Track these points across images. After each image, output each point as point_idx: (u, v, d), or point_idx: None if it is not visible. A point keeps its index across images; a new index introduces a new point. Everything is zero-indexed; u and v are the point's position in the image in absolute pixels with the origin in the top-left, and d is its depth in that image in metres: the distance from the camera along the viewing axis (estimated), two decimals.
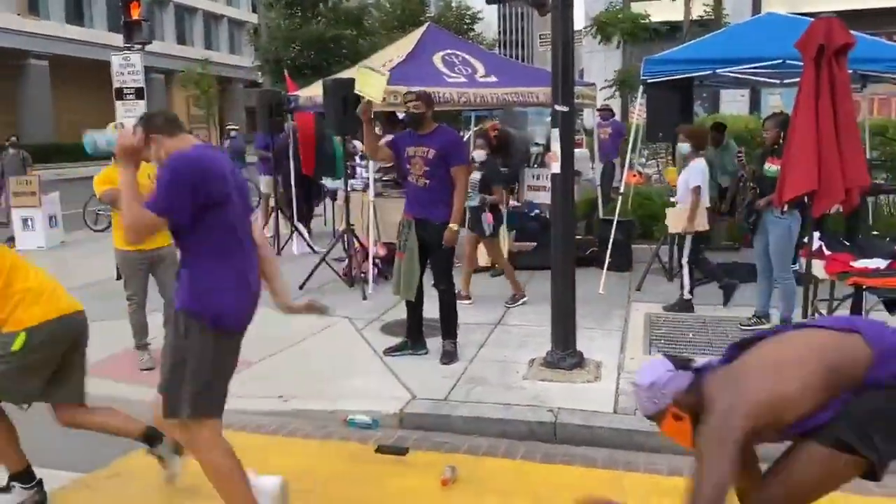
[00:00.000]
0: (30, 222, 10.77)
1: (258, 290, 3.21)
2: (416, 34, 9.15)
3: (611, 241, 7.57)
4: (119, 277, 6.11)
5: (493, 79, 8.42)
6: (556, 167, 4.87)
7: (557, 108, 4.77)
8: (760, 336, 2.58)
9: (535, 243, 9.04)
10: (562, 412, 4.35)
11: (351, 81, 7.04)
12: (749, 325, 5.78)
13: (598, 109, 11.27)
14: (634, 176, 9.36)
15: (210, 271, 2.98)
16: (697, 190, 6.37)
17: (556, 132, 4.85)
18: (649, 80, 7.17)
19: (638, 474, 3.80)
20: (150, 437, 3.68)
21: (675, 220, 6.62)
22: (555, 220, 5.02)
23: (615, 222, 7.59)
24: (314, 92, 8.90)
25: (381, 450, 4.10)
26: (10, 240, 10.78)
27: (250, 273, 3.14)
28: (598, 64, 18.74)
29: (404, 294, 5.46)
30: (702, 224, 6.48)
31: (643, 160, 12.33)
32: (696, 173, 6.40)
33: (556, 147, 4.85)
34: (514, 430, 4.28)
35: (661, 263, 7.85)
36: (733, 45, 7.07)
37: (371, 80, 6.14)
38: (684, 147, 6.45)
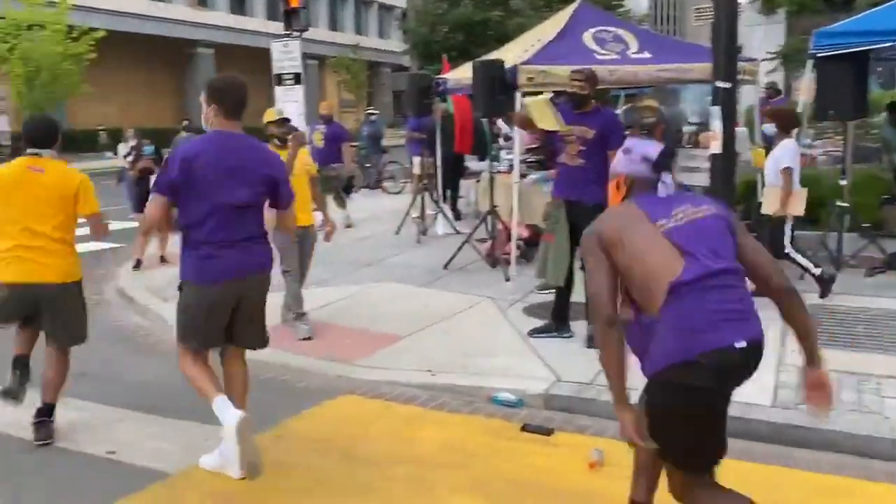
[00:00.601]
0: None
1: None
2: (567, 12, 9.00)
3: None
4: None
5: (646, 55, 8.14)
6: (716, 147, 4.66)
7: (719, 84, 4.55)
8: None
9: None
10: None
11: (501, 63, 7.05)
12: None
13: (766, 87, 10.59)
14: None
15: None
16: (788, 171, 6.03)
17: (716, 110, 4.64)
18: (819, 55, 6.66)
19: (799, 471, 3.60)
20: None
21: (771, 202, 6.23)
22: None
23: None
24: (462, 74, 8.99)
25: (526, 428, 4.13)
26: None
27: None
28: (759, 38, 17.68)
29: (552, 279, 5.40)
30: (797, 208, 6.14)
31: (808, 140, 11.51)
32: (786, 154, 6.08)
33: (716, 126, 4.64)
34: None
35: (829, 251, 7.32)
36: None
37: (545, 110, 5.69)
38: (769, 128, 6.06)
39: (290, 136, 5.83)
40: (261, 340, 3.87)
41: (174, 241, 9.36)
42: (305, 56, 36.07)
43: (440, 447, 3.94)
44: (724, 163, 4.64)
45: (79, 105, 28.92)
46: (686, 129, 11.29)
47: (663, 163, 2.66)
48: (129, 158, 9.76)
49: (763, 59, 14.98)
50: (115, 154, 13.88)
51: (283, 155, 5.50)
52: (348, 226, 10.65)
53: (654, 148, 2.69)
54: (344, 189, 11.36)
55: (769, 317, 5.72)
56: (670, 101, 14.84)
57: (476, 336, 5.74)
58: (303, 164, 5.94)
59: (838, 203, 7.21)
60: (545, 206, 5.65)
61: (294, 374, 5.14)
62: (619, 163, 2.76)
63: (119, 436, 4.11)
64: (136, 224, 8.90)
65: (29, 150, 3.98)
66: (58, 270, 3.94)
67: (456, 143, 10.55)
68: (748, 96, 11.04)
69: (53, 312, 3.99)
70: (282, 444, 3.97)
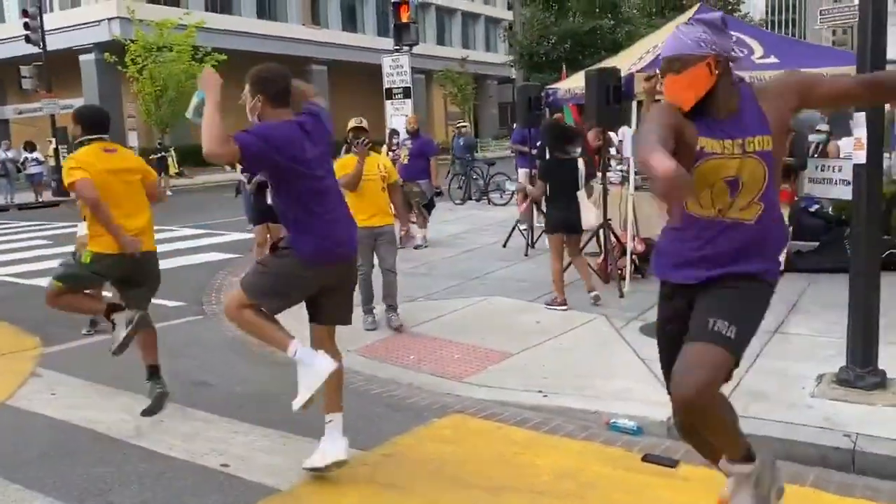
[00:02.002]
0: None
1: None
2: (686, 17, 8.62)
3: None
4: None
5: (772, 59, 7.66)
6: (860, 156, 4.25)
7: None
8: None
9: (818, 242, 8.12)
10: (861, 439, 3.78)
11: (616, 71, 6.81)
12: None
13: None
14: None
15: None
16: None
17: (860, 116, 4.23)
18: None
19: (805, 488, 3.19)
20: (113, 308, 4.45)
21: None
22: (857, 215, 4.38)
23: None
24: (573, 84, 8.77)
25: (648, 458, 3.87)
26: None
27: None
28: (892, 38, 16.44)
29: None
30: None
31: None
32: None
33: (860, 133, 4.23)
34: (801, 453, 3.81)
35: None
36: None
37: None
38: None
39: (357, 143, 6.26)
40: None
41: None
42: (414, 70, 36.75)
43: (555, 475, 3.74)
44: (870, 174, 4.22)
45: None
46: (813, 138, 10.60)
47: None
48: (247, 173, 10.09)
49: None
50: (234, 168, 14.46)
51: (354, 163, 6.27)
52: (417, 246, 10.25)
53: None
54: (426, 206, 10.83)
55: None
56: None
57: (590, 355, 5.50)
58: (377, 170, 6.46)
59: None
60: None
61: (403, 389, 5.07)
62: (695, 40, 2.57)
63: (233, 448, 4.14)
64: (252, 235, 9.17)
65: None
66: None
67: None
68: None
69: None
70: (391, 463, 3.89)
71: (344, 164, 6.34)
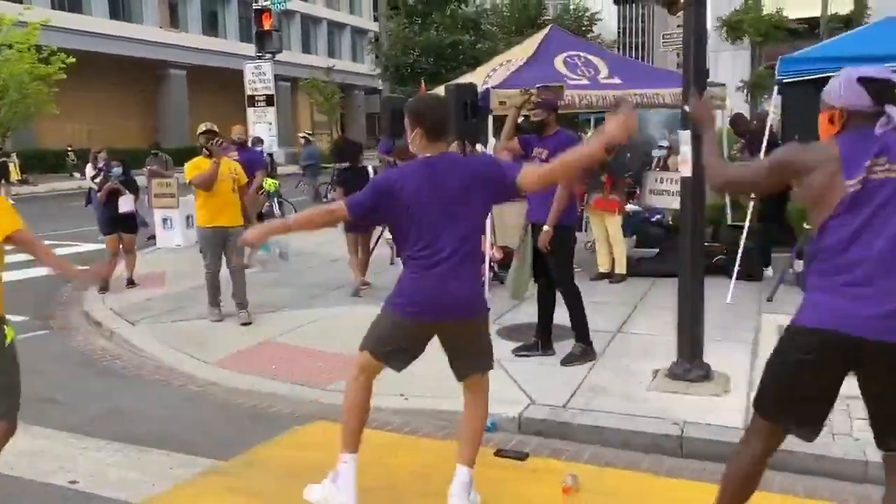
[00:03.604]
0: (169, 222, 11.50)
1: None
2: (538, 37, 9.12)
3: (740, 248, 7.24)
4: (201, 250, 7.25)
5: (615, 80, 8.26)
6: (686, 171, 4.71)
7: (688, 109, 4.60)
8: None
9: (657, 250, 8.80)
10: (688, 426, 4.19)
11: (473, 87, 7.09)
12: None
13: (730, 124, 10.78)
14: None
15: None
16: None
17: (685, 134, 4.68)
18: (785, 81, 6.80)
19: (773, 494, 3.60)
20: None
21: None
22: (684, 225, 4.85)
23: (745, 229, 7.24)
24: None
25: (500, 453, 4.10)
26: (151, 238, 11.57)
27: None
28: (725, 64, 18.03)
29: (513, 295, 5.71)
30: None
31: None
32: None
33: (685, 150, 4.69)
34: (638, 441, 4.16)
35: (795, 273, 7.42)
36: (879, 42, 6.61)
37: None
38: None
39: (211, 144, 6.65)
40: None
41: (143, 263, 9.26)
42: (277, 78, 35.94)
43: (414, 474, 3.89)
44: (694, 187, 4.68)
45: (48, 125, 28.60)
46: (655, 153, 11.46)
47: (887, 91, 2.54)
48: (97, 180, 9.62)
49: (738, 89, 15.27)
50: (83, 175, 13.71)
51: (209, 164, 6.62)
52: (247, 267, 9.20)
53: (876, 71, 2.58)
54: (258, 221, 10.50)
55: (738, 338, 5.78)
56: (640, 126, 15.06)
57: None
58: (229, 172, 6.86)
59: (805, 226, 7.32)
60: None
61: (264, 399, 5.05)
62: (831, 91, 2.63)
63: (83, 465, 3.99)
64: (103, 246, 8.77)
65: None
66: None
67: None
68: (718, 120, 11.22)
69: None
70: (252, 472, 3.89)
71: (197, 165, 6.74)
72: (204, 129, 7.05)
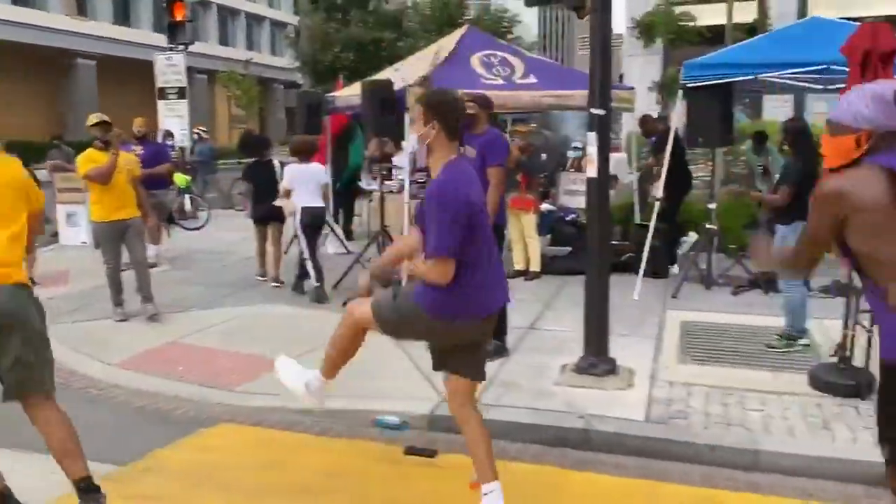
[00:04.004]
0: (74, 218, 11.00)
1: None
2: (454, 36, 9.16)
3: (647, 246, 7.48)
4: (97, 246, 6.98)
5: (531, 80, 8.39)
6: (591, 171, 4.83)
7: (594, 111, 4.72)
8: None
9: (570, 248, 8.99)
10: (593, 419, 4.30)
11: (389, 83, 7.07)
12: (777, 348, 5.58)
13: (640, 123, 11.13)
14: None
15: None
16: None
17: (592, 136, 4.80)
18: (689, 85, 7.06)
19: (670, 484, 3.74)
20: (84, 488, 3.23)
21: None
22: (590, 224, 4.97)
23: (651, 228, 7.48)
24: (352, 93, 8.97)
25: (409, 451, 4.11)
26: (54, 235, 11.05)
27: None
28: (638, 67, 18.54)
29: None
30: None
31: None
32: None
33: (592, 151, 4.80)
34: (544, 435, 4.25)
35: (699, 271, 7.73)
36: (776, 50, 6.93)
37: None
38: None
39: (110, 135, 6.48)
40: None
41: (44, 261, 8.83)
42: (194, 70, 34.77)
43: (321, 474, 3.85)
44: (599, 187, 4.80)
45: None
46: (571, 154, 11.72)
47: None
48: None
49: (648, 88, 15.73)
50: None
51: (105, 157, 6.43)
52: (153, 265, 8.45)
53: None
54: (168, 219, 10.10)
55: (643, 333, 5.95)
56: (557, 126, 15.36)
57: (363, 357, 5.61)
58: (124, 164, 6.62)
59: (707, 226, 7.65)
60: None
61: (168, 401, 4.91)
62: (854, 113, 2.45)
63: None
64: None
65: None
66: None
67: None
68: (629, 123, 11.57)
69: None
70: (149, 476, 3.77)
71: (91, 158, 6.53)
72: (96, 120, 6.79)
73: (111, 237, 6.66)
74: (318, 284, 7.49)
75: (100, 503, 3.19)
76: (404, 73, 8.34)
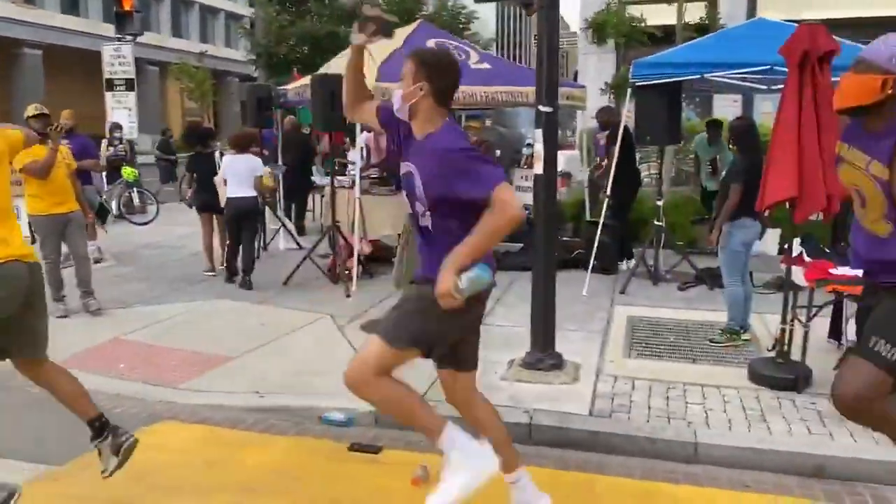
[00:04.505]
0: (16, 211, 10.65)
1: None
2: (406, 30, 9.13)
3: (595, 243, 7.56)
4: (34, 241, 6.78)
5: (485, 66, 8.41)
6: (538, 168, 4.86)
7: (541, 108, 4.75)
8: None
9: (522, 244, 9.04)
10: (537, 413, 4.34)
11: (338, 77, 7.00)
12: (719, 342, 5.70)
13: (596, 116, 11.21)
14: None
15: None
16: None
17: (539, 133, 4.83)
18: (638, 84, 7.16)
19: (611, 477, 3.79)
20: (99, 427, 3.45)
21: None
22: (537, 221, 5.00)
23: (600, 224, 7.57)
24: (301, 86, 8.88)
25: (354, 447, 4.09)
26: None
27: None
28: (593, 66, 18.73)
29: (397, 283, 5.64)
30: None
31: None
32: None
33: (539, 148, 4.83)
34: None
35: (647, 267, 7.85)
36: (722, 50, 7.06)
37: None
38: None
39: (49, 129, 6.17)
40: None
41: None
42: (145, 62, 33.98)
43: (264, 471, 3.81)
44: (546, 183, 4.84)
45: None
46: (525, 151, 11.79)
47: None
48: None
49: (602, 91, 15.89)
50: None
51: (44, 150, 6.15)
52: (97, 260, 8.59)
53: None
54: (98, 214, 9.60)
55: (590, 328, 6.00)
56: (511, 123, 15.44)
57: (310, 354, 5.63)
58: (62, 157, 6.51)
59: (655, 222, 7.77)
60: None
61: (109, 400, 4.76)
62: (891, 55, 2.45)
63: None
64: None
65: None
66: None
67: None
68: (581, 121, 11.67)
69: None
70: (84, 475, 3.67)
71: (30, 152, 6.02)
72: (35, 112, 6.77)
73: (51, 231, 6.53)
74: (244, 273, 7.76)
75: (119, 436, 3.40)
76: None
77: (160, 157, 17.40)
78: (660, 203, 7.81)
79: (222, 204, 7.99)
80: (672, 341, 5.83)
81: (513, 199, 2.58)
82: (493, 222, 2.56)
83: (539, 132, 4.81)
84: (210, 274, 8.35)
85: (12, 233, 3.27)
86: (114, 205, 12.41)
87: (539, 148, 4.81)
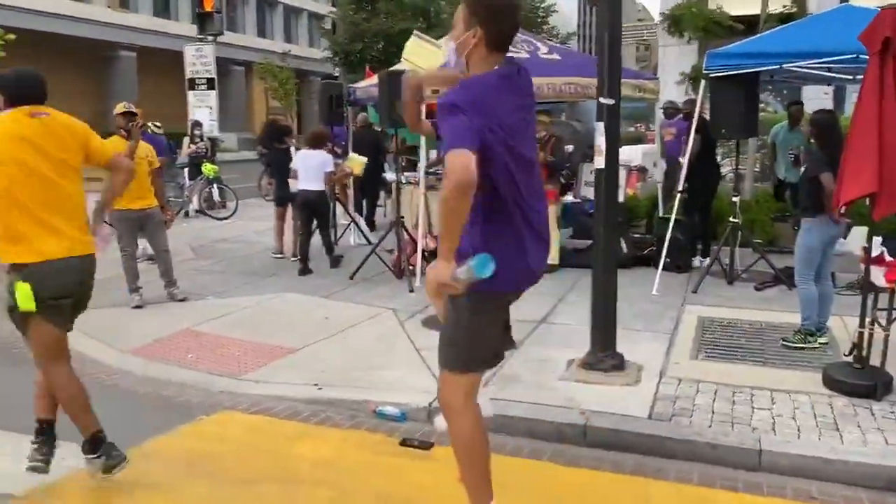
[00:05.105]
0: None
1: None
2: None
3: (667, 240, 7.32)
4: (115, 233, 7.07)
5: (555, 56, 8.29)
6: (600, 161, 4.73)
7: (602, 100, 4.62)
8: None
9: (591, 241, 8.85)
10: (593, 415, 4.22)
11: (402, 74, 7.02)
12: (792, 343, 5.43)
13: (662, 108, 10.90)
14: None
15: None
16: None
17: (600, 126, 4.70)
18: (711, 75, 6.88)
19: (666, 482, 3.65)
20: (94, 441, 3.50)
21: None
22: (598, 216, 4.87)
23: (672, 221, 7.32)
24: (371, 84, 8.95)
25: (405, 443, 4.08)
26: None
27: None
28: (673, 59, 18.19)
29: None
30: None
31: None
32: None
33: (600, 141, 4.70)
34: (541, 430, 4.18)
35: (722, 266, 7.55)
36: (803, 39, 6.71)
37: (420, 51, 6.14)
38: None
39: (132, 126, 6.69)
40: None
41: None
42: (232, 62, 34.96)
43: (314, 464, 3.85)
44: (608, 178, 4.70)
45: None
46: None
47: None
48: None
49: (677, 82, 15.43)
50: None
51: (125, 144, 6.51)
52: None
53: None
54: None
55: (658, 329, 5.82)
56: (585, 117, 15.14)
57: (370, 348, 5.66)
58: (145, 155, 6.85)
59: (731, 219, 7.46)
60: None
61: (174, 388, 4.96)
62: None
63: None
64: None
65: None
66: None
67: None
68: (661, 115, 11.32)
69: None
70: (145, 462, 3.79)
71: (114, 146, 6.42)
72: (123, 109, 7.13)
73: (129, 225, 6.83)
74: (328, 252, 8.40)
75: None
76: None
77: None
78: (736, 199, 7.49)
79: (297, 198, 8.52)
80: (743, 343, 5.58)
81: (460, 164, 2.26)
82: (441, 193, 2.31)
83: (600, 125, 4.68)
84: (278, 256, 8.93)
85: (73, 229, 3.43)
86: (195, 200, 12.86)
87: (601, 141, 4.68)
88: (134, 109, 7.14)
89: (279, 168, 9.05)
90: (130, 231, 6.85)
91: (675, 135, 9.93)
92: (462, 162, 2.27)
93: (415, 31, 7.78)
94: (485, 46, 2.51)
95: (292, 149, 9.26)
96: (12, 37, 22.60)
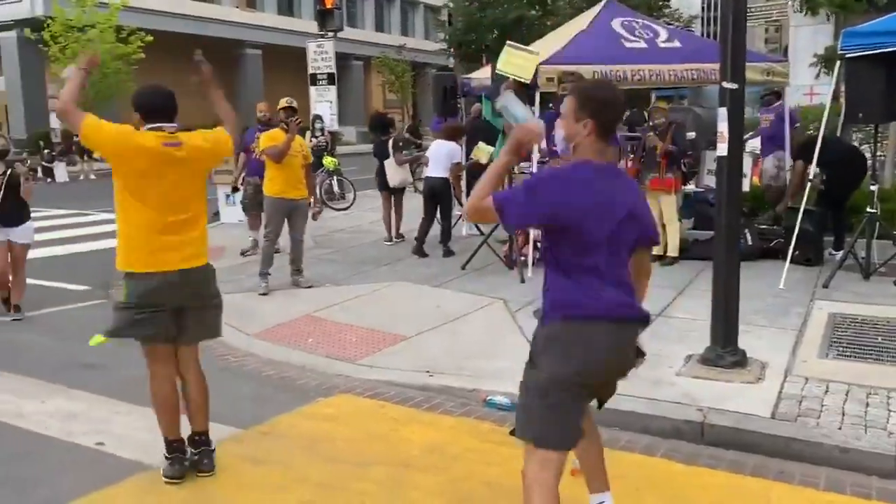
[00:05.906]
0: (232, 198, 11.77)
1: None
2: (594, 10, 8.92)
3: (795, 231, 6.91)
4: (264, 219, 7.55)
5: (676, 44, 8.02)
6: (722, 149, 4.52)
7: (725, 85, 4.42)
8: None
9: (713, 232, 8.49)
10: (711, 412, 4.06)
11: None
12: None
13: (761, 95, 10.28)
14: None
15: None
16: None
17: (723, 111, 4.49)
18: (848, 55, 6.42)
19: (790, 485, 3.46)
20: (173, 447, 3.59)
21: None
22: (719, 206, 4.66)
23: (801, 211, 6.91)
24: (483, 75, 8.97)
25: (514, 432, 4.06)
26: (215, 214, 11.89)
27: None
28: (805, 39, 17.12)
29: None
30: None
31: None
32: None
33: (723, 127, 4.49)
34: (657, 426, 4.06)
35: (857, 259, 7.06)
36: None
37: (515, 60, 6.17)
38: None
39: (290, 121, 7.08)
40: None
41: None
42: (351, 57, 35.81)
43: (424, 449, 3.91)
44: (731, 166, 4.49)
45: (128, 105, 29.65)
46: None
47: None
48: None
49: (810, 65, 14.51)
50: None
51: (283, 136, 6.99)
52: (245, 252, 9.17)
53: None
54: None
55: (783, 325, 5.52)
56: (709, 103, 14.50)
57: (481, 337, 5.69)
58: (300, 149, 7.28)
59: (868, 210, 6.95)
60: None
61: (295, 371, 5.17)
62: None
63: (113, 428, 4.18)
64: None
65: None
66: None
67: None
68: (790, 99, 10.68)
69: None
70: (266, 440, 3.98)
71: (273, 137, 7.15)
72: (285, 104, 7.75)
73: (279, 212, 7.23)
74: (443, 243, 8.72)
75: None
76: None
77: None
78: (874, 188, 6.98)
79: (390, 184, 9.41)
80: (880, 342, 5.20)
81: (471, 204, 2.67)
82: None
83: (723, 111, 4.47)
84: (389, 243, 9.50)
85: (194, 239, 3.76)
86: (316, 192, 13.31)
87: (723, 127, 4.47)
88: (294, 104, 7.70)
89: (381, 158, 9.65)
90: (278, 217, 7.23)
91: (772, 121, 9.38)
92: (473, 205, 2.67)
93: (508, 42, 7.85)
94: (594, 137, 2.68)
95: (390, 140, 9.76)
96: (151, 38, 24.33)
